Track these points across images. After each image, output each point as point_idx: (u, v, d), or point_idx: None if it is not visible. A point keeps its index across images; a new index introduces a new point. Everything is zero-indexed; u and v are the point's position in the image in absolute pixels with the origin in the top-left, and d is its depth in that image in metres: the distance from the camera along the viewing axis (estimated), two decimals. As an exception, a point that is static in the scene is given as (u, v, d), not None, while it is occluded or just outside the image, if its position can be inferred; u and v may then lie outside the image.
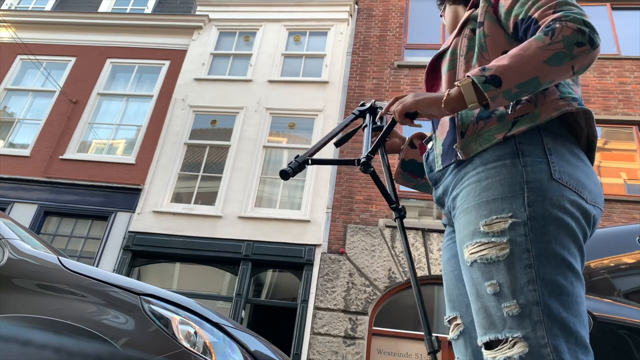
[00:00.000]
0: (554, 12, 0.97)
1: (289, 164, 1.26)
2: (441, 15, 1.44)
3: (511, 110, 1.01)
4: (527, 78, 0.92)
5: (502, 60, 0.95)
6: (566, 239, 0.90)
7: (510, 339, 0.86)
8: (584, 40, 0.91)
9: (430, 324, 6.87)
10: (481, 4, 1.14)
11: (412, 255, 7.37)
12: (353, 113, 1.52)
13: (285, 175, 1.22)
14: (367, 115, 1.49)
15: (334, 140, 1.40)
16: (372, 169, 1.20)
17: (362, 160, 1.18)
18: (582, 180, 0.96)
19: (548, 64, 0.92)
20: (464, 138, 1.05)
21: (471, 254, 0.95)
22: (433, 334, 1.16)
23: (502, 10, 1.09)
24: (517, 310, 0.86)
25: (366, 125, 1.45)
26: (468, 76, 0.97)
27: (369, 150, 1.21)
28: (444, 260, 1.21)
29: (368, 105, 1.53)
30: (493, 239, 0.91)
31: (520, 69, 0.92)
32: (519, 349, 0.84)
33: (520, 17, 1.04)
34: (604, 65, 8.74)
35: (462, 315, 1.11)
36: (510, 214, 0.91)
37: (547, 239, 0.89)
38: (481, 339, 0.91)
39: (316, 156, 9.36)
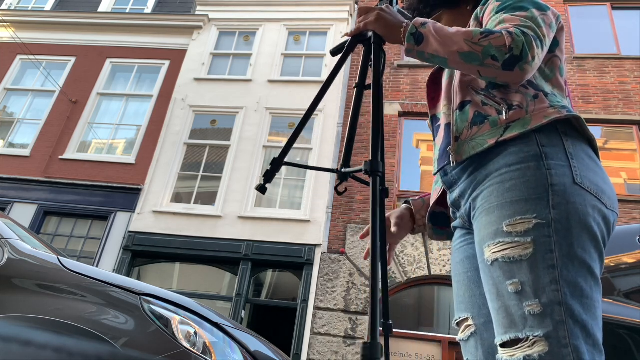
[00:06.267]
0: (517, 25, 1.02)
1: (263, 175, 1.22)
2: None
3: (505, 116, 1.04)
4: (441, 55, 1.03)
5: (439, 29, 1.04)
6: (588, 243, 0.91)
7: (530, 337, 0.86)
8: (500, 57, 0.96)
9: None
10: (471, 22, 1.19)
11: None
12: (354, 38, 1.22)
13: (261, 190, 1.20)
14: (365, 48, 1.20)
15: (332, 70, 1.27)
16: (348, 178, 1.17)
17: (342, 171, 1.16)
18: (600, 186, 0.97)
19: (459, 56, 1.00)
20: (457, 142, 1.09)
21: (493, 253, 0.95)
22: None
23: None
24: (539, 309, 0.86)
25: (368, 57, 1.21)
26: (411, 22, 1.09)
27: (346, 170, 1.16)
28: (456, 262, 1.21)
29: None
30: (517, 239, 0.92)
31: (441, 45, 1.02)
32: (539, 347, 0.84)
33: None
34: (604, 65, 8.74)
35: (474, 317, 1.11)
36: (534, 215, 0.92)
37: (571, 242, 0.90)
38: (501, 338, 0.91)
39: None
